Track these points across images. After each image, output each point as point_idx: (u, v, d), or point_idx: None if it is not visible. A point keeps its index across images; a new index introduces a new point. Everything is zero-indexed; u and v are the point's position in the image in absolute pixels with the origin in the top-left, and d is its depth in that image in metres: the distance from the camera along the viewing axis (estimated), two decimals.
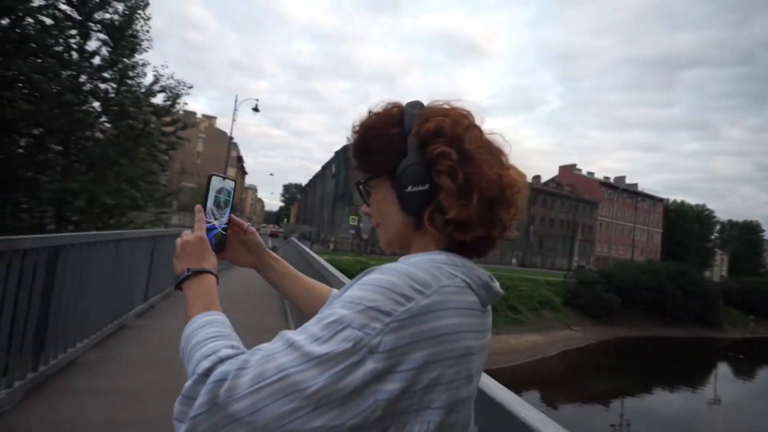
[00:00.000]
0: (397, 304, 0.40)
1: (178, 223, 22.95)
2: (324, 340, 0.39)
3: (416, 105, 0.53)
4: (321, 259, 2.87)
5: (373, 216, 0.55)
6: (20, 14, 8.92)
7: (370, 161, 0.53)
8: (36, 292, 2.14)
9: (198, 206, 0.64)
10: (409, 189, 0.49)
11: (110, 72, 10.18)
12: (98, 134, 10.12)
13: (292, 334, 0.41)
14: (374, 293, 0.40)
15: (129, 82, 10.50)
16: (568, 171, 52.86)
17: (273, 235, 41.67)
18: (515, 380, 13.78)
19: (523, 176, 0.52)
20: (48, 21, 9.50)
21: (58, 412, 2.03)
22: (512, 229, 0.52)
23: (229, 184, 0.68)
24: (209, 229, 0.64)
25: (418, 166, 0.48)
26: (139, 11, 10.78)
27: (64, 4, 9.75)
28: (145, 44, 11.00)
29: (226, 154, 20.77)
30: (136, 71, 10.77)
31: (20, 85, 8.47)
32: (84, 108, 9.50)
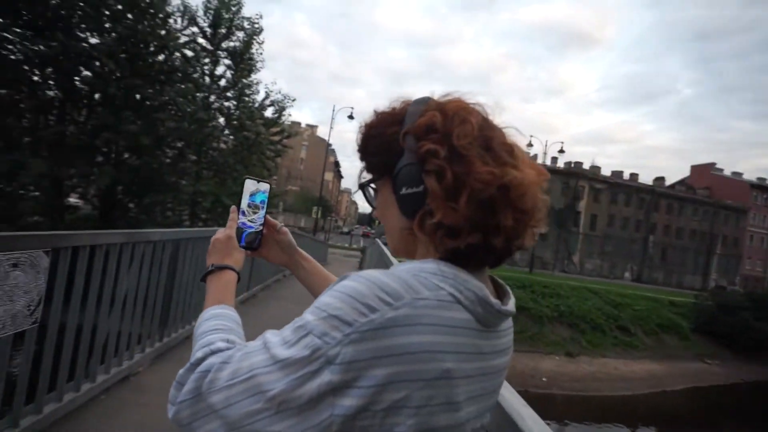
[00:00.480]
0: (359, 314, 0.37)
1: (283, 222, 25.71)
2: (290, 344, 0.39)
3: (422, 101, 0.49)
4: (394, 260, 2.88)
5: (380, 221, 0.53)
6: (171, 50, 11.07)
7: (371, 162, 0.51)
8: (162, 276, 2.59)
9: (233, 207, 0.68)
10: (404, 191, 0.45)
11: (232, 92, 11.98)
12: (222, 145, 11.98)
13: (269, 335, 0.42)
14: (340, 301, 0.38)
15: (246, 99, 12.18)
16: (703, 171, 43.89)
17: (365, 235, 43.74)
18: (625, 413, 11.94)
19: (539, 176, 0.45)
20: (189, 53, 11.57)
21: (172, 379, 2.41)
22: (530, 238, 0.45)
23: (264, 187, 0.72)
24: (243, 228, 0.68)
25: (411, 167, 0.45)
26: (255, 37, 12.43)
27: (201, 38, 11.79)
28: (259, 65, 12.65)
29: (324, 159, 22.47)
30: (251, 89, 12.45)
31: (169, 107, 10.49)
32: (212, 123, 11.32)
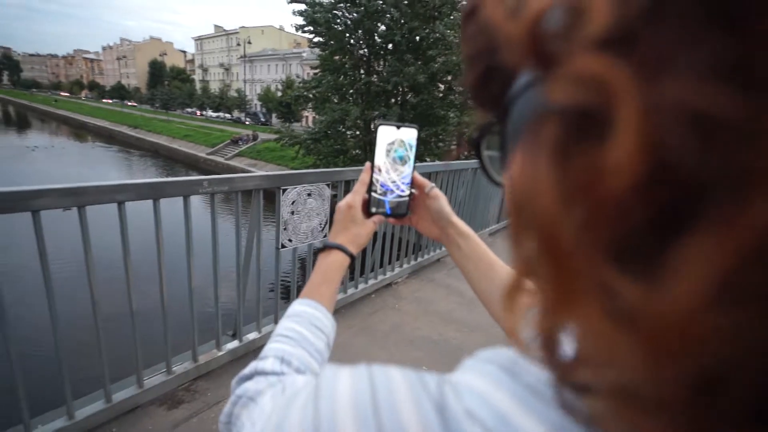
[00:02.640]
0: None
1: None
2: None
3: None
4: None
5: None
6: None
7: (472, 85, 0.21)
8: None
9: (367, 164, 0.54)
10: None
11: None
12: None
13: (283, 402, 0.26)
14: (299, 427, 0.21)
15: None
16: None
17: None
18: None
19: None
20: None
21: (420, 293, 2.81)
22: None
23: (408, 134, 0.53)
24: (380, 192, 0.54)
25: (534, 91, 0.15)
26: None
27: None
28: None
29: None
30: None
31: (439, 43, 11.16)
32: None
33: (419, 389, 0.19)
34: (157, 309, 1.50)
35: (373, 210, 0.55)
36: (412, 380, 0.20)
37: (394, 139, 0.53)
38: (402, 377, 0.20)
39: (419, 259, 3.19)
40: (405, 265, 3.02)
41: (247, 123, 39.90)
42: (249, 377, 0.37)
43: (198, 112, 51.87)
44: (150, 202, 1.39)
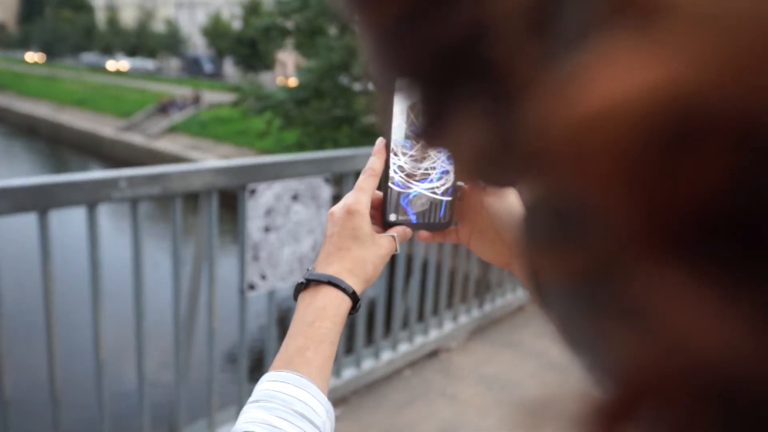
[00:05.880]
0: None
1: None
2: None
3: None
4: None
5: None
6: None
7: None
8: None
9: (379, 141, 0.57)
10: None
11: None
12: None
13: None
14: None
15: None
16: None
17: None
18: None
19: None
20: None
21: (491, 366, 2.81)
22: None
23: None
24: (400, 189, 0.57)
25: None
26: None
27: None
28: None
29: None
30: None
31: None
32: None
33: None
34: (45, 395, 1.57)
35: (392, 218, 0.58)
36: None
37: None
38: None
39: (486, 308, 3.20)
40: (462, 319, 3.04)
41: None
42: None
43: (107, 62, 53.89)
44: (34, 215, 1.47)
